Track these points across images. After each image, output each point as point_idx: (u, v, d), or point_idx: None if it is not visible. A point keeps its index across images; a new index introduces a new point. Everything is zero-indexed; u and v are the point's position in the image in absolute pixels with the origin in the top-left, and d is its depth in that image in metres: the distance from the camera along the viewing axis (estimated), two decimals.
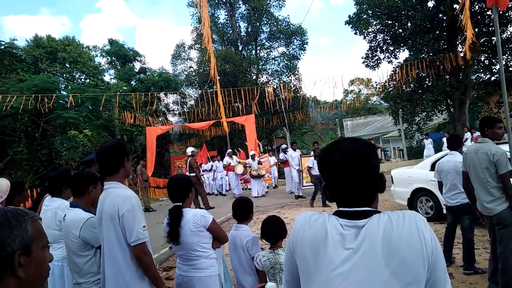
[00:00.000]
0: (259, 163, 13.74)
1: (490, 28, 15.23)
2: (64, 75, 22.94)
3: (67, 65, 25.11)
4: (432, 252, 1.06)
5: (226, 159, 14.41)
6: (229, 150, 15.27)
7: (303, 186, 12.30)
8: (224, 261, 3.33)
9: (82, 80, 25.19)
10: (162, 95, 24.89)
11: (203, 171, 17.02)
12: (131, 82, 26.35)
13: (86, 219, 2.66)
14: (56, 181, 3.45)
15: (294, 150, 12.77)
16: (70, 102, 14.08)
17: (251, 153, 14.06)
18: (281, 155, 13.96)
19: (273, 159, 16.14)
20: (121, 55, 27.95)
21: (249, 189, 14.60)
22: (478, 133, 10.10)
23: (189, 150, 12.01)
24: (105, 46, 28.93)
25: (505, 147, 4.10)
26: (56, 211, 3.20)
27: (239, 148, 19.59)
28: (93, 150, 15.54)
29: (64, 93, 16.35)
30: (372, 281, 1.04)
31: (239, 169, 13.82)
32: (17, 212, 1.05)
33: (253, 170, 13.27)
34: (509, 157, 3.79)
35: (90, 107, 15.51)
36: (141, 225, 2.31)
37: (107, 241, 2.34)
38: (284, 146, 14.85)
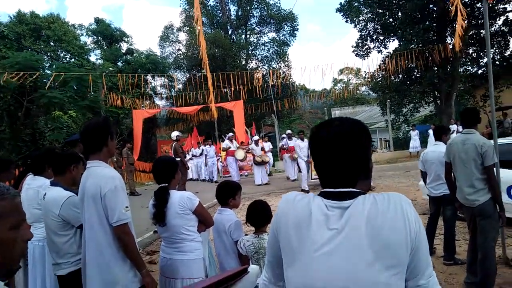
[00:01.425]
0: (262, 149, 13.25)
1: (479, 21, 15.34)
2: (48, 54, 22.33)
3: (52, 44, 24.42)
4: (416, 235, 1.06)
5: (226, 142, 13.88)
6: (230, 134, 14.68)
7: (311, 179, 11.10)
8: (209, 245, 3.32)
9: (67, 59, 24.58)
10: (149, 77, 24.52)
11: (193, 156, 16.82)
12: (118, 63, 25.85)
13: (66, 198, 2.61)
14: (39, 159, 3.38)
15: (302, 140, 11.28)
16: (54, 81, 13.72)
17: (255, 138, 13.54)
18: (284, 141, 13.42)
19: (267, 145, 14.91)
20: (107, 35, 27.33)
21: (246, 176, 14.29)
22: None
23: (174, 134, 11.55)
24: (91, 25, 28.26)
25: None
26: (38, 189, 3.13)
27: (225, 134, 19.50)
28: (77, 131, 15.27)
29: (48, 72, 15.96)
30: (354, 262, 1.03)
31: (240, 154, 13.28)
32: None
33: (256, 156, 12.67)
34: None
35: (75, 87, 15.19)
36: (124, 206, 2.26)
37: (88, 221, 2.30)
38: (289, 131, 13.92)
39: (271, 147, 15.53)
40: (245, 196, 10.19)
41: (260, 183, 12.54)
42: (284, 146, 13.23)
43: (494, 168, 3.60)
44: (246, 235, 3.01)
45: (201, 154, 15.92)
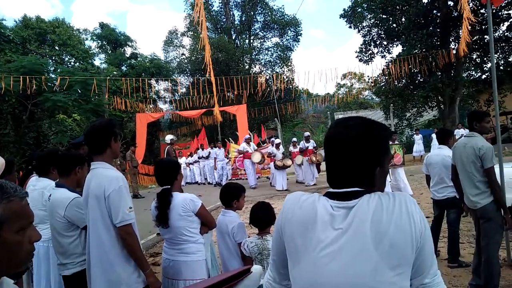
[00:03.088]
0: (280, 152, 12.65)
1: (483, 27, 15.33)
2: (53, 58, 22.49)
3: (56, 48, 24.64)
4: (421, 234, 1.06)
5: (243, 145, 13.22)
6: (247, 136, 14.01)
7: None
8: (212, 247, 3.32)
9: (72, 63, 24.76)
10: (153, 81, 24.62)
11: (200, 158, 16.40)
12: (122, 68, 26.01)
13: (72, 199, 2.63)
14: (44, 160, 3.38)
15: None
16: (59, 85, 13.81)
17: (277, 141, 12.88)
18: (302, 144, 12.96)
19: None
20: (112, 39, 27.52)
21: (268, 178, 13.81)
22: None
23: (168, 137, 11.62)
24: (96, 30, 28.48)
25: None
26: (43, 191, 3.14)
27: (229, 138, 19.50)
28: (81, 134, 15.32)
29: (53, 75, 16.07)
30: (360, 262, 1.04)
31: (256, 157, 12.63)
32: None
33: (277, 160, 11.99)
34: (496, 152, 3.84)
35: (80, 91, 15.28)
36: (127, 206, 2.28)
37: (92, 221, 2.32)
38: (307, 133, 13.67)
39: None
40: (248, 199, 10.14)
41: (281, 188, 11.90)
42: (303, 149, 12.78)
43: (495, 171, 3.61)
44: (249, 236, 3.02)
45: (207, 156, 15.46)
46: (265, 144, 15.57)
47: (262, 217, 2.85)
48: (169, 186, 2.70)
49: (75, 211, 2.62)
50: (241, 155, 13.40)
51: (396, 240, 1.03)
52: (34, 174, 3.52)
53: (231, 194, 3.10)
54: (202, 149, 16.79)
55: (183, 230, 2.64)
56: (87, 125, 16.53)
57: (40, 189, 3.23)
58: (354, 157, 1.13)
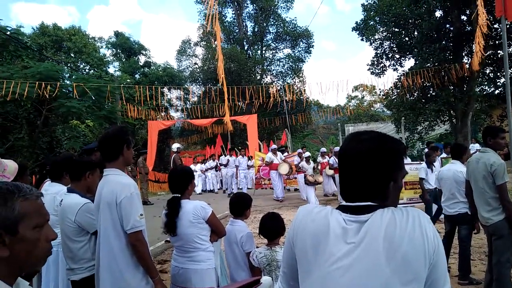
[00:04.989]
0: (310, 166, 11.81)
1: (497, 42, 15.21)
2: (69, 65, 22.94)
3: (72, 55, 25.12)
4: (434, 251, 1.05)
5: (269, 155, 12.34)
6: (274, 146, 13.28)
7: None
8: (221, 255, 3.32)
9: (86, 70, 25.20)
10: (165, 89, 24.90)
11: (220, 165, 15.57)
12: (135, 75, 26.37)
13: (82, 204, 2.66)
14: (58, 165, 3.44)
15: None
16: (74, 92, 14.07)
17: (306, 154, 11.87)
18: (332, 160, 11.82)
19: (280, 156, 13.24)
20: (126, 47, 27.97)
21: (295, 190, 13.44)
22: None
23: (175, 146, 11.42)
24: (110, 38, 28.99)
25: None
26: (55, 196, 3.19)
27: (239, 147, 19.49)
28: (94, 140, 15.51)
29: (68, 82, 16.37)
30: (372, 276, 1.03)
31: (284, 168, 11.89)
32: (7, 188, 1.03)
33: (309, 175, 10.77)
34: (509, 169, 3.78)
35: (94, 98, 15.51)
36: (139, 213, 2.30)
37: (103, 227, 2.34)
38: (337, 148, 12.16)
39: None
40: (257, 209, 10.14)
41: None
42: (333, 165, 11.74)
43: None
44: (257, 247, 3.01)
45: (226, 164, 14.58)
46: (291, 153, 14.79)
47: (272, 228, 2.85)
48: (179, 195, 2.72)
49: (85, 216, 2.65)
50: (267, 165, 12.68)
51: (409, 255, 1.02)
52: (48, 179, 3.58)
53: (243, 204, 3.12)
54: (219, 157, 16.24)
55: (193, 237, 2.65)
56: (100, 131, 16.84)
57: (52, 194, 3.27)
58: (367, 171, 1.13)
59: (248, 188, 14.08)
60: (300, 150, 12.69)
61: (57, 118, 16.17)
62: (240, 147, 19.81)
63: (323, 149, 13.91)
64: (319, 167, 12.94)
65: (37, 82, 13.08)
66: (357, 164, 1.15)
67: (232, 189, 14.15)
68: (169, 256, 6.08)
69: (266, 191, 13.54)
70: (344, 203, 1.18)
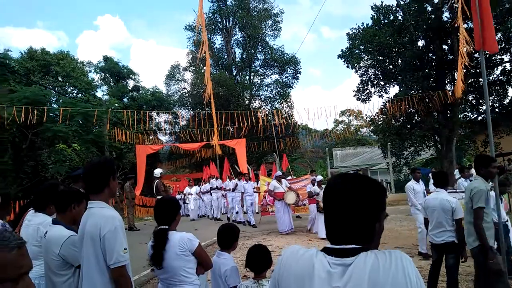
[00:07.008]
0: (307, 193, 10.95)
1: (477, 70, 15.75)
2: (56, 89, 22.89)
3: (60, 79, 25.12)
4: None
5: (273, 183, 11.15)
6: (279, 173, 11.96)
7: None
8: (207, 287, 3.26)
9: (74, 94, 25.14)
10: (154, 114, 24.92)
11: (226, 190, 14.38)
12: (124, 100, 26.41)
13: (68, 237, 2.60)
14: (42, 195, 3.34)
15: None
16: (61, 116, 13.97)
17: (318, 178, 10.86)
18: (312, 188, 10.90)
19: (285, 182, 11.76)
20: (115, 72, 28.11)
21: (299, 217, 12.36)
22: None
23: (157, 171, 11.01)
24: (99, 63, 29.15)
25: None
26: (38, 226, 3.11)
27: (235, 166, 19.20)
28: (80, 164, 15.31)
29: (55, 106, 16.27)
30: None
31: (291, 197, 10.74)
32: None
33: (321, 201, 8.66)
34: (493, 195, 3.89)
35: (81, 122, 15.41)
36: (122, 247, 2.26)
37: (86, 261, 2.29)
38: (319, 177, 11.20)
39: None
40: (245, 235, 10.02)
41: (324, 236, 9.16)
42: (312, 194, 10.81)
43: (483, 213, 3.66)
44: (245, 276, 2.97)
45: (234, 189, 13.40)
46: (295, 178, 13.97)
47: (259, 261, 2.82)
48: (166, 227, 2.69)
49: (70, 249, 2.58)
50: (270, 195, 11.66)
51: None
52: (31, 208, 3.49)
53: (232, 236, 3.09)
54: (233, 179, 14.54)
55: (179, 270, 2.61)
56: (87, 155, 16.60)
57: (35, 224, 3.19)
58: (355, 208, 1.15)
59: (256, 213, 13.32)
60: (313, 177, 11.36)
61: (43, 142, 15.95)
62: (234, 166, 19.64)
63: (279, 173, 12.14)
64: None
65: (23, 107, 12.98)
66: (344, 200, 1.16)
67: (238, 216, 13.19)
68: (153, 286, 5.92)
69: (273, 218, 12.23)
70: (329, 245, 1.19)
